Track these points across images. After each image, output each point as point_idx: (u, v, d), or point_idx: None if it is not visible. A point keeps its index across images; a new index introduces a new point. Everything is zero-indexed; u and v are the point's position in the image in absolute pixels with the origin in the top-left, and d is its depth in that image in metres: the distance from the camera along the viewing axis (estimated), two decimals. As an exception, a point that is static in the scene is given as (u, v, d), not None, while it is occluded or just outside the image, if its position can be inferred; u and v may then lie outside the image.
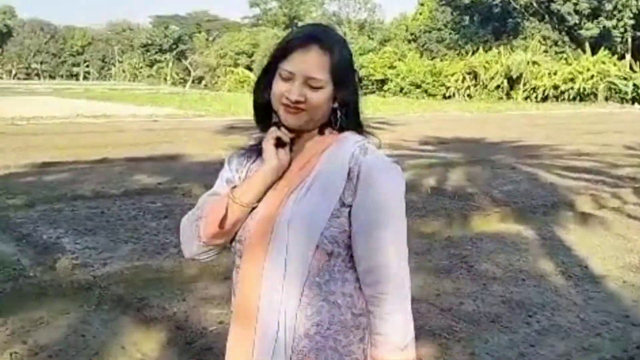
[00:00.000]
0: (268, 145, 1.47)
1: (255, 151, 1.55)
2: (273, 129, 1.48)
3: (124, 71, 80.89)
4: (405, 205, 1.47)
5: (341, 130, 1.51)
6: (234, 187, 1.50)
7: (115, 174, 9.49)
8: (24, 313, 4.01)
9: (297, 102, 1.42)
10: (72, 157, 11.03)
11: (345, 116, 1.49)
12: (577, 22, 42.99)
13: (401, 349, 1.45)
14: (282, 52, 1.45)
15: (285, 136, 1.47)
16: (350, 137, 1.50)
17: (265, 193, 1.47)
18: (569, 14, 42.70)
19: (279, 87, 1.44)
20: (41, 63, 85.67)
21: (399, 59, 44.91)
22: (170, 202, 7.42)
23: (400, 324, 1.45)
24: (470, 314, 4.18)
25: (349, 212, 1.42)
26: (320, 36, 1.46)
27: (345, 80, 1.47)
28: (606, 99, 37.57)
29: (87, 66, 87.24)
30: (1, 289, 4.37)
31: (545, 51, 43.07)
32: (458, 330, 3.91)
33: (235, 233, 1.51)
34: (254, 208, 1.48)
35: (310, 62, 1.42)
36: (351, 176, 1.43)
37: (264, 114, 1.52)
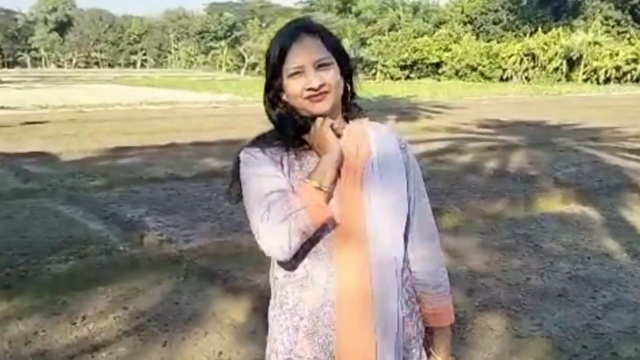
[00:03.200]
0: (328, 133, 1.48)
1: (280, 145, 1.53)
2: (319, 119, 1.49)
3: (179, 58, 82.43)
4: None
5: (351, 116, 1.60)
6: (309, 175, 1.47)
7: (185, 158, 9.92)
8: (121, 282, 4.39)
9: (320, 86, 1.46)
10: (141, 142, 11.55)
11: (352, 99, 1.58)
12: (641, 0, 41.62)
13: (447, 297, 1.67)
14: (280, 58, 1.48)
15: (337, 122, 1.52)
16: (370, 121, 1.61)
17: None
18: (633, -8, 41.35)
19: (294, 86, 1.47)
20: (100, 52, 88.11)
21: (454, 42, 44.46)
22: (240, 184, 7.76)
23: (446, 274, 1.68)
24: (537, 288, 4.35)
25: (408, 182, 1.58)
26: (303, 25, 1.52)
27: (344, 55, 1.53)
28: (671, 79, 36.36)
29: (144, 54, 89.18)
30: (98, 261, 4.78)
31: (607, 31, 41.89)
32: (526, 303, 4.08)
33: None
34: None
35: (309, 48, 1.47)
36: (402, 147, 1.60)
37: (285, 124, 1.53)
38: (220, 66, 69.59)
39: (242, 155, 1.52)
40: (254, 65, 61.38)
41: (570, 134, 13.19)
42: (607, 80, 37.22)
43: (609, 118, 16.60)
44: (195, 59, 78.38)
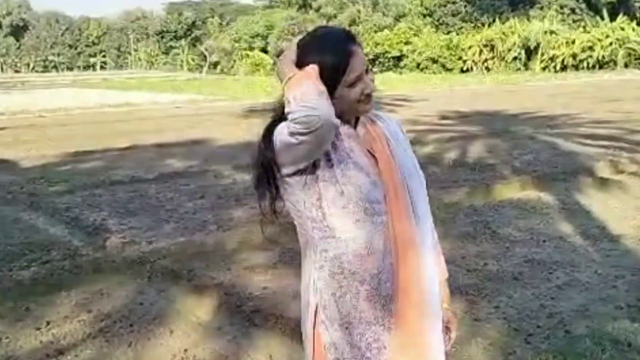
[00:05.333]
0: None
1: None
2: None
3: (140, 59, 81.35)
4: None
5: None
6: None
7: (147, 160, 9.88)
8: (84, 286, 4.40)
9: (372, 91, 1.66)
10: (102, 146, 11.44)
11: None
12: (595, -12, 42.56)
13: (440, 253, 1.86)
14: (343, 68, 1.60)
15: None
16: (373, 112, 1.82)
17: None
18: (586, -20, 42.25)
19: (353, 93, 1.62)
20: (58, 55, 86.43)
21: (415, 35, 44.83)
22: (203, 184, 7.79)
23: (436, 235, 1.87)
24: (494, 273, 4.49)
25: None
26: (352, 36, 1.68)
27: None
28: (626, 65, 37.22)
29: (104, 56, 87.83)
30: (60, 266, 4.77)
31: (563, 20, 42.72)
32: (483, 287, 4.22)
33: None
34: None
35: (362, 57, 1.64)
36: (405, 136, 1.82)
37: None
38: (182, 66, 68.95)
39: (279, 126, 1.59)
40: (215, 64, 60.98)
41: (528, 122, 13.48)
42: (564, 68, 37.94)
43: (566, 105, 16.99)
44: (156, 60, 77.48)
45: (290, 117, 1.51)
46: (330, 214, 1.62)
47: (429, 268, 1.72)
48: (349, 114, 1.67)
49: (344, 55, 1.61)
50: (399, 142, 1.75)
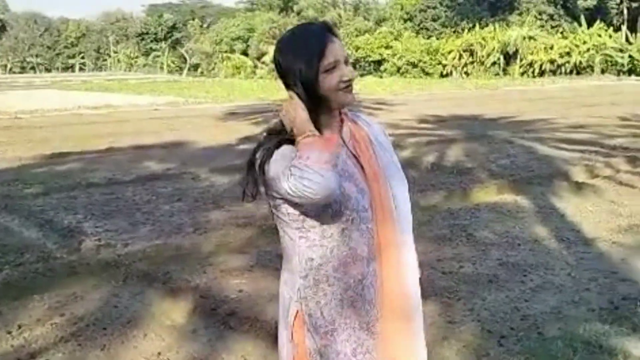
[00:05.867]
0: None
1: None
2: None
3: (119, 61, 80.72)
4: None
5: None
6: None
7: (124, 162, 9.80)
8: (58, 289, 4.35)
9: (351, 79, 1.68)
10: (79, 148, 11.33)
11: None
12: (573, -6, 43.14)
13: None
14: (319, 55, 1.64)
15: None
16: (351, 113, 1.83)
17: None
18: (564, -13, 42.80)
19: (331, 79, 1.65)
20: (36, 56, 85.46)
21: (395, 39, 45.00)
22: (181, 186, 7.74)
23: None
24: (469, 275, 4.52)
25: None
26: (328, 26, 1.73)
27: None
28: (602, 71, 37.76)
29: (83, 58, 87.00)
30: (34, 269, 4.71)
31: (542, 26, 43.19)
32: (458, 290, 4.24)
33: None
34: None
35: (339, 46, 1.68)
36: (388, 138, 1.87)
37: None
38: (162, 68, 68.54)
39: (279, 151, 1.63)
40: (196, 66, 60.72)
41: (505, 127, 13.60)
42: (542, 73, 38.33)
43: (543, 110, 17.17)
44: (136, 62, 76.90)
45: (296, 174, 1.52)
46: (317, 224, 1.65)
47: (411, 272, 1.76)
48: (334, 104, 1.69)
49: (321, 43, 1.65)
50: (381, 145, 1.78)
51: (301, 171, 1.51)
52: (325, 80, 1.64)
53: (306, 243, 1.66)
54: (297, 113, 1.62)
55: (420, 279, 1.86)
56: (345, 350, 1.67)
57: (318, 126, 1.64)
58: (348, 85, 1.67)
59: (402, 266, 1.72)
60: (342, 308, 1.66)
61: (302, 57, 1.64)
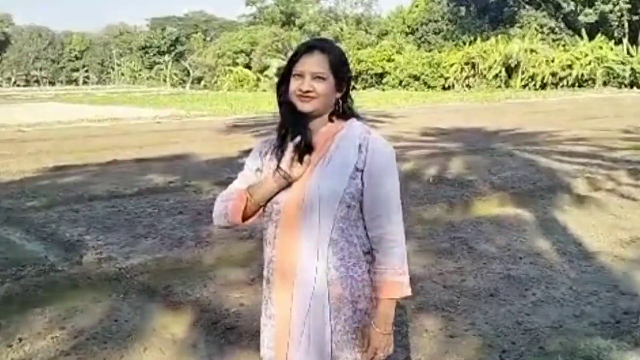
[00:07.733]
0: (288, 160, 1.95)
1: (276, 141, 2.04)
2: (291, 145, 1.94)
3: (123, 74, 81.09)
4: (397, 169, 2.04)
5: (345, 117, 2.00)
6: (250, 186, 2.02)
7: (127, 175, 9.81)
8: (59, 303, 4.34)
9: (308, 91, 1.90)
10: (82, 161, 11.35)
11: (344, 104, 2.00)
12: (573, 8, 43.23)
13: (399, 274, 1.97)
14: (293, 59, 1.95)
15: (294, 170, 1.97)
16: (355, 122, 2.02)
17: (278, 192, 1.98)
18: (565, 1, 42.92)
19: (292, 84, 1.93)
20: (40, 69, 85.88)
21: (397, 52, 45.17)
22: (183, 199, 7.75)
23: (399, 254, 1.96)
24: (470, 289, 4.51)
25: (362, 175, 1.94)
26: (320, 44, 1.96)
27: (343, 75, 1.97)
28: (604, 84, 37.78)
29: (86, 71, 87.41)
30: (35, 282, 4.71)
31: (543, 39, 43.27)
32: (460, 304, 4.23)
33: (263, 206, 2.02)
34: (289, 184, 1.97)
35: (314, 62, 1.91)
36: (362, 149, 1.95)
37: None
38: (165, 81, 68.80)
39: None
40: (199, 79, 60.94)
41: (507, 139, 13.61)
42: (544, 86, 38.36)
43: (545, 122, 17.18)
44: (139, 75, 77.21)
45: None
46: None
47: (305, 260, 1.93)
48: (298, 107, 1.95)
49: (298, 52, 1.94)
50: (336, 159, 1.93)
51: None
52: (290, 83, 1.94)
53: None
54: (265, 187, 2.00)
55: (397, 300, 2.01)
56: (268, 320, 2.07)
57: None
58: (303, 95, 1.90)
59: (296, 254, 1.94)
60: (269, 293, 2.06)
61: (289, 60, 1.97)
